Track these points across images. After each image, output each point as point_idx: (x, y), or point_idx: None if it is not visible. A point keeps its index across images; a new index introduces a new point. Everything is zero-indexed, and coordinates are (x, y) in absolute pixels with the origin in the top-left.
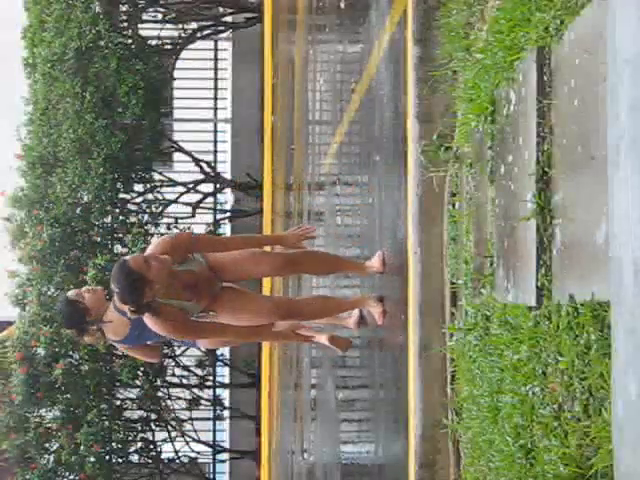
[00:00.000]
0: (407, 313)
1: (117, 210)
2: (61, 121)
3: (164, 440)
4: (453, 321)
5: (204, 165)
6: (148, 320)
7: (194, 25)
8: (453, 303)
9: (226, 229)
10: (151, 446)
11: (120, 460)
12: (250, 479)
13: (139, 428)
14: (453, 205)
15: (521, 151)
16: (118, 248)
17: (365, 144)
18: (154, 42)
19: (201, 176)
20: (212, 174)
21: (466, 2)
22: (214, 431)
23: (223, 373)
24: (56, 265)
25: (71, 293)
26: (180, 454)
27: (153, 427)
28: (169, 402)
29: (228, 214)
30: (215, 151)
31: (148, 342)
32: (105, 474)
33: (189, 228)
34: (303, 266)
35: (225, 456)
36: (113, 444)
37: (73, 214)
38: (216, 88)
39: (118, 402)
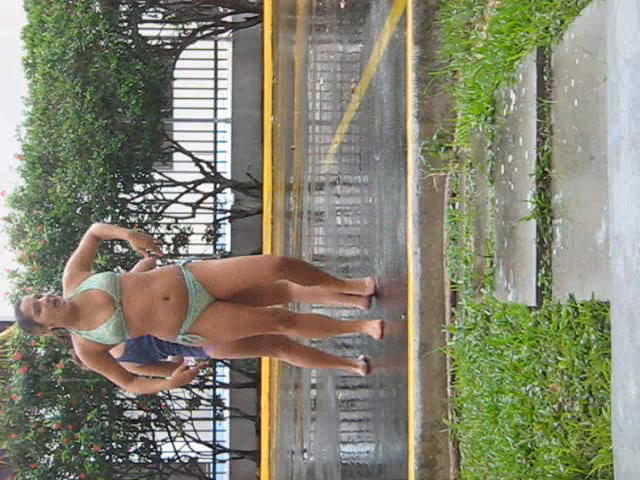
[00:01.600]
0: (407, 313)
1: (117, 210)
2: (61, 121)
3: (164, 440)
4: (453, 321)
5: (204, 165)
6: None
7: (194, 25)
8: (453, 303)
9: (226, 229)
10: (151, 446)
11: (120, 460)
12: (250, 479)
13: (139, 428)
14: (453, 205)
15: (521, 151)
16: (118, 248)
17: (365, 144)
18: (154, 42)
19: (201, 176)
20: (212, 174)
21: (466, 2)
22: (214, 431)
23: (223, 373)
24: (56, 265)
25: None
26: (180, 454)
27: (153, 427)
28: (169, 402)
29: (228, 214)
30: (215, 151)
31: (167, 358)
32: (105, 474)
33: (189, 228)
34: (298, 323)
35: (225, 456)
36: (113, 444)
37: (73, 214)
38: (216, 88)
39: (118, 402)
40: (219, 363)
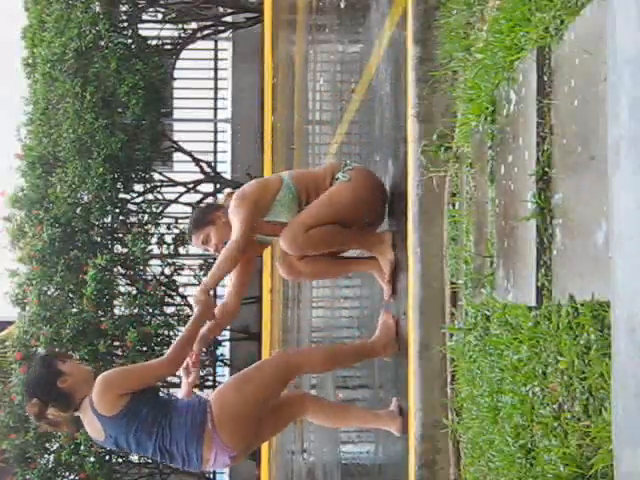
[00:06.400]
0: (407, 313)
1: (117, 210)
2: (61, 121)
3: None
4: (453, 321)
5: (204, 165)
6: None
7: (194, 25)
8: (453, 303)
9: None
10: None
11: (120, 460)
12: (250, 479)
13: None
14: (453, 205)
15: (521, 151)
16: (118, 248)
17: (365, 144)
18: (154, 42)
19: (201, 176)
20: (212, 174)
21: (466, 2)
22: None
23: (223, 373)
24: (56, 265)
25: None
26: None
27: None
28: None
29: None
30: (215, 151)
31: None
32: (105, 474)
33: None
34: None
35: None
36: None
37: (73, 214)
38: (216, 88)
39: None
40: (219, 363)
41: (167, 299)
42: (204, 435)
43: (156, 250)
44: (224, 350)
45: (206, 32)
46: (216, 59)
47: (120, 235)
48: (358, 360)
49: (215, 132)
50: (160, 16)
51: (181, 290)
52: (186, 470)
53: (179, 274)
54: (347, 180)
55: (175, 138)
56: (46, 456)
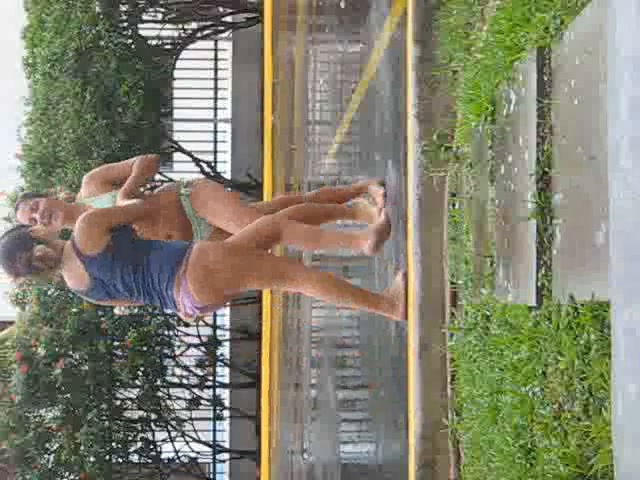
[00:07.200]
0: (407, 313)
1: None
2: (61, 121)
3: (164, 440)
4: (453, 321)
5: (204, 165)
6: None
7: (194, 25)
8: (453, 303)
9: None
10: (151, 446)
11: (120, 460)
12: (250, 479)
13: (139, 428)
14: (453, 205)
15: (521, 151)
16: None
17: (365, 144)
18: (154, 42)
19: (201, 176)
20: (212, 174)
21: (466, 2)
22: (214, 431)
23: (223, 373)
24: None
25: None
26: (180, 454)
27: (153, 427)
28: (169, 402)
29: None
30: (215, 151)
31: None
32: (105, 474)
33: None
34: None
35: (225, 456)
36: (113, 444)
37: None
38: (216, 88)
39: (118, 402)
40: (219, 363)
41: None
42: (175, 276)
43: None
44: (224, 350)
45: (206, 32)
46: (216, 59)
47: None
48: (358, 300)
49: (215, 132)
50: (160, 16)
51: None
52: (165, 310)
53: None
54: (190, 191)
55: (175, 138)
56: (46, 456)
